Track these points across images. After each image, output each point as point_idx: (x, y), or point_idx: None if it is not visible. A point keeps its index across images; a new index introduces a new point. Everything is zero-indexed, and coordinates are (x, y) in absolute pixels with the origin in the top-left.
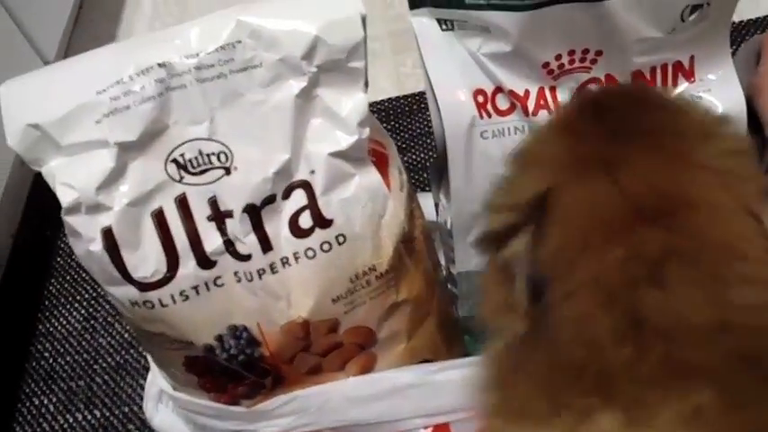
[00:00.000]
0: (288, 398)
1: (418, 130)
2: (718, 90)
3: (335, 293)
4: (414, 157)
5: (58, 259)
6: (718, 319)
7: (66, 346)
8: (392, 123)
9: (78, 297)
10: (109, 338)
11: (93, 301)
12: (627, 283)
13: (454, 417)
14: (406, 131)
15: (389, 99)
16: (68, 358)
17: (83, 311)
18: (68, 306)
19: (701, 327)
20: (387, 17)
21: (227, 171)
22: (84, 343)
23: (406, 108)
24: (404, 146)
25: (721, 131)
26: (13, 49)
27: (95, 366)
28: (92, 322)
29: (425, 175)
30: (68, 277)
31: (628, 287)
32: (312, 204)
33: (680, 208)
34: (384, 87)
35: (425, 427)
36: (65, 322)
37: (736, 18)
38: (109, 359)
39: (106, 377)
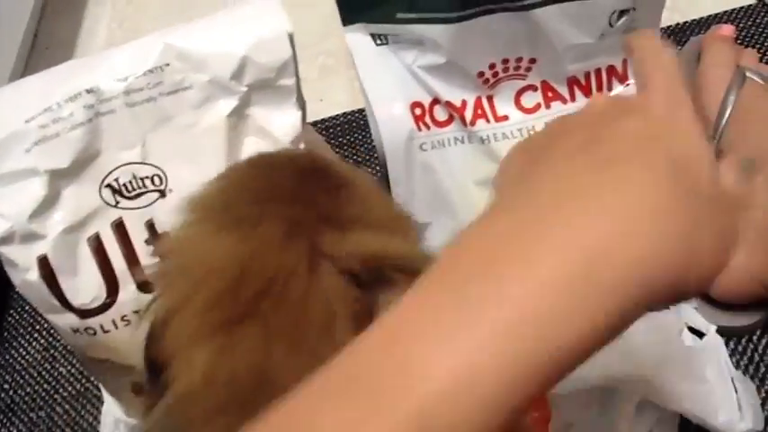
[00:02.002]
0: None
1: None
2: None
3: None
4: (371, 170)
5: (17, 290)
6: None
7: (26, 377)
8: (347, 138)
9: (38, 327)
10: (69, 367)
11: (51, 330)
12: None
13: None
14: (362, 145)
15: (345, 113)
16: (28, 389)
17: (42, 341)
18: (27, 336)
19: None
20: (342, 32)
21: (163, 194)
22: (44, 373)
23: (362, 122)
24: (360, 160)
25: None
26: None
27: (56, 396)
28: (51, 351)
29: None
30: (27, 307)
31: None
32: None
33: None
34: (340, 101)
35: None
36: (24, 353)
37: (680, 19)
38: (69, 388)
39: (67, 406)
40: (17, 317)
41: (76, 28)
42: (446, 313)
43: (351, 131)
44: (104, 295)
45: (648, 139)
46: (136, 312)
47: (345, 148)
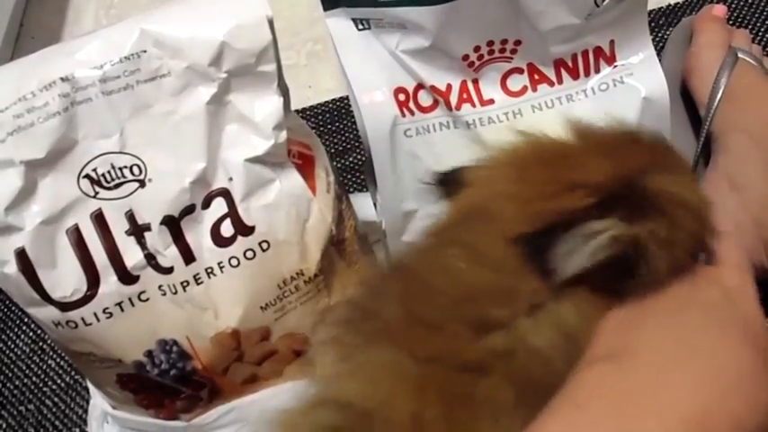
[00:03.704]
0: (226, 409)
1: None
2: (640, 73)
3: (264, 301)
4: (360, 157)
5: None
6: None
7: (15, 370)
8: (337, 124)
9: (26, 319)
10: (58, 359)
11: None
12: None
13: None
14: (351, 131)
15: (334, 100)
16: (17, 382)
17: (30, 334)
18: (16, 329)
19: None
20: None
21: (142, 184)
22: (33, 366)
23: (351, 108)
24: (349, 146)
25: None
26: None
27: (45, 389)
28: (40, 344)
29: None
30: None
31: None
32: (232, 212)
33: None
34: (329, 88)
35: None
36: (13, 346)
37: (671, 0)
38: (58, 380)
39: (56, 399)
40: (5, 309)
41: (62, 16)
42: None
43: (340, 118)
44: (85, 288)
45: (728, 308)
46: (118, 305)
47: (334, 134)
